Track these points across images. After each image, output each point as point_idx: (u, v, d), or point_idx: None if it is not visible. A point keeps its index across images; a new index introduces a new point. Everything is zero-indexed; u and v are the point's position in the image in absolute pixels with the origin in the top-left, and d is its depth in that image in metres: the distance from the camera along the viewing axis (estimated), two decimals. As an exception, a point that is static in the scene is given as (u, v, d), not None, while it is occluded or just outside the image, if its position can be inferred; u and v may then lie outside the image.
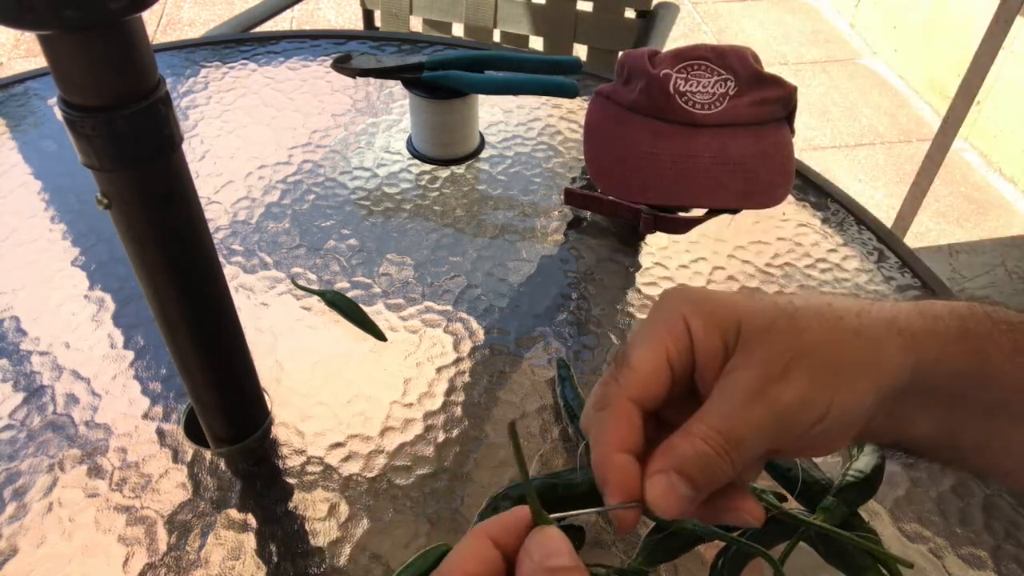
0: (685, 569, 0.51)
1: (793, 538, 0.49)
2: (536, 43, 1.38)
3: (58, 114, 0.39)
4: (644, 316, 0.69)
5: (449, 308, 0.69)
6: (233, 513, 0.54)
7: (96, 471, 0.56)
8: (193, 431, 0.59)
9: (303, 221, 0.78)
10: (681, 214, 0.76)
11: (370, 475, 0.56)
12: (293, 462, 0.57)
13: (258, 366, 0.57)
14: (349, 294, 0.70)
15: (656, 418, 0.33)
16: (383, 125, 0.91)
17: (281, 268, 0.73)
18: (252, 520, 0.54)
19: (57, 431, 0.59)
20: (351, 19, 2.83)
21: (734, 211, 0.75)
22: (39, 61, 2.38)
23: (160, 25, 2.80)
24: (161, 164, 0.42)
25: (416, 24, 1.42)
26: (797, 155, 0.76)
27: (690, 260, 0.75)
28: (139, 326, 0.67)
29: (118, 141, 0.39)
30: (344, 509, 0.54)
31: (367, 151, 0.87)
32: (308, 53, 1.02)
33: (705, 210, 0.74)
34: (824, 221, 0.80)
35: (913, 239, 1.92)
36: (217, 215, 0.78)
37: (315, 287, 0.70)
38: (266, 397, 0.61)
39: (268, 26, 1.28)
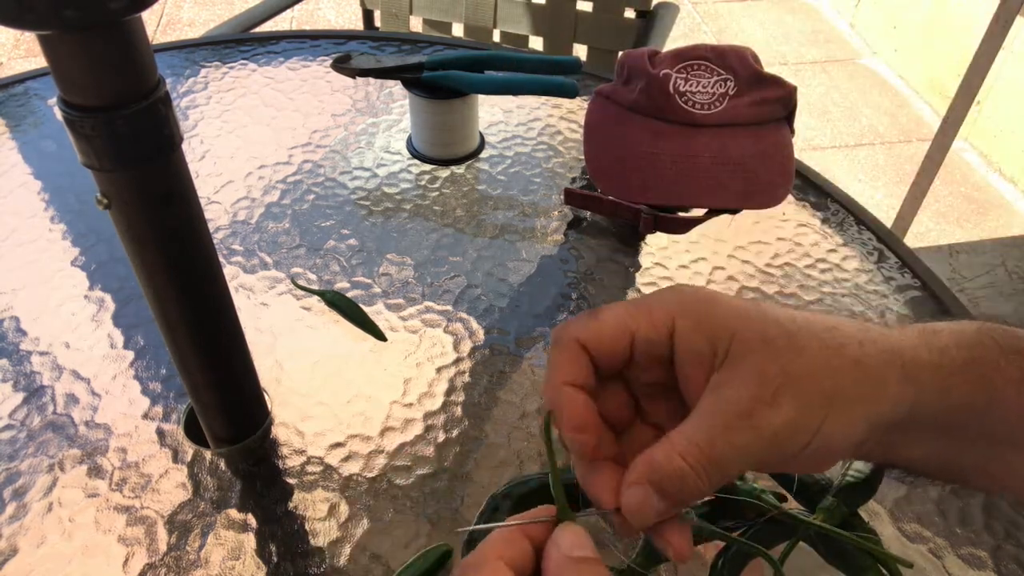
0: (685, 569, 0.51)
1: (793, 538, 0.48)
2: (536, 43, 1.38)
3: (58, 114, 0.39)
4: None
5: (449, 308, 0.69)
6: (233, 513, 0.54)
7: (96, 471, 0.56)
8: (193, 431, 0.59)
9: (303, 221, 0.78)
10: (681, 214, 0.76)
11: (370, 475, 0.56)
12: (293, 462, 0.57)
13: (258, 366, 0.57)
14: (349, 294, 0.70)
15: (635, 405, 0.33)
16: (383, 125, 0.91)
17: (281, 268, 0.73)
18: (252, 520, 0.54)
19: (57, 431, 0.59)
20: (351, 19, 2.83)
21: (734, 211, 0.75)
22: (39, 61, 2.38)
23: (160, 25, 2.80)
24: (161, 164, 0.42)
25: (416, 24, 1.42)
26: (797, 155, 0.76)
27: (690, 260, 0.75)
28: (139, 326, 0.67)
29: (118, 141, 0.39)
30: (344, 509, 0.54)
31: (367, 151, 0.87)
32: (308, 53, 1.02)
33: (705, 210, 0.74)
34: (824, 221, 0.80)
35: (913, 239, 1.92)
36: (217, 215, 0.78)
37: (315, 287, 0.70)
38: (266, 397, 0.61)
39: (268, 26, 1.28)
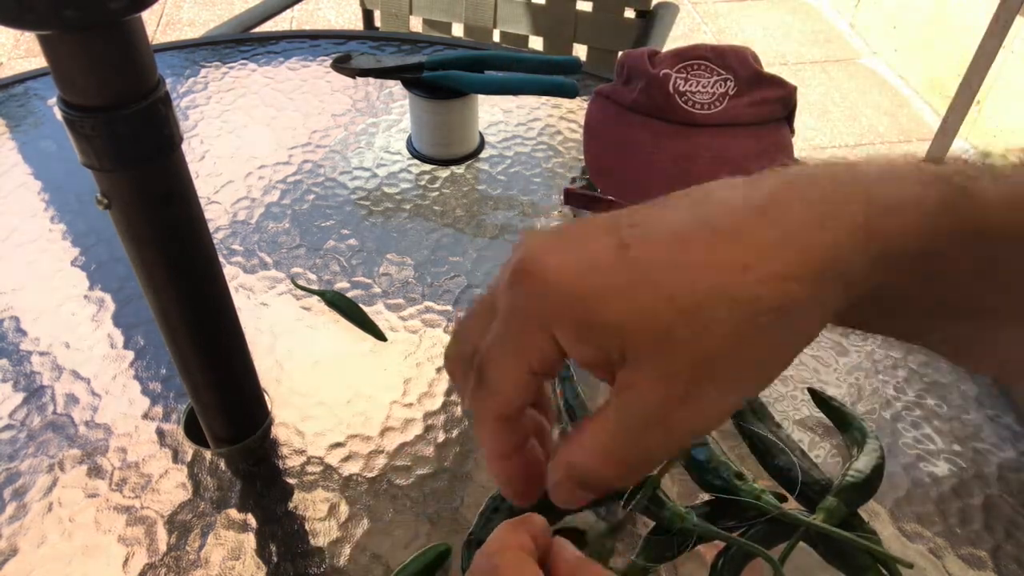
0: (685, 569, 0.51)
1: (793, 538, 0.49)
2: (536, 43, 1.38)
3: (58, 114, 0.39)
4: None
5: (449, 308, 0.69)
6: (233, 513, 0.54)
7: (96, 471, 0.56)
8: (193, 431, 0.59)
9: (303, 221, 0.78)
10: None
11: (370, 475, 0.56)
12: (293, 462, 0.57)
13: (258, 366, 0.57)
14: (349, 294, 0.70)
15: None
16: (383, 125, 0.91)
17: (281, 268, 0.73)
18: (252, 520, 0.54)
19: (57, 431, 0.59)
20: (351, 19, 2.83)
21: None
22: (39, 61, 2.38)
23: (160, 25, 2.80)
24: (161, 164, 0.42)
25: (416, 24, 1.42)
26: (797, 155, 0.76)
27: (690, 260, 0.75)
28: (139, 326, 0.67)
29: (118, 141, 0.39)
30: (344, 509, 0.54)
31: (367, 151, 0.87)
32: (308, 53, 1.02)
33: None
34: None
35: (913, 239, 1.92)
36: (217, 215, 0.78)
37: (315, 287, 0.70)
38: (266, 397, 0.61)
39: (268, 26, 1.28)
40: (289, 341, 0.66)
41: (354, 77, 0.84)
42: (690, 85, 0.73)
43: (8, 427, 0.59)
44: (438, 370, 0.64)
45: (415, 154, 0.86)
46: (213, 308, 0.50)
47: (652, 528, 0.51)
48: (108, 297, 0.69)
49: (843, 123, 2.40)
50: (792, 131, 0.77)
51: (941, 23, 2.45)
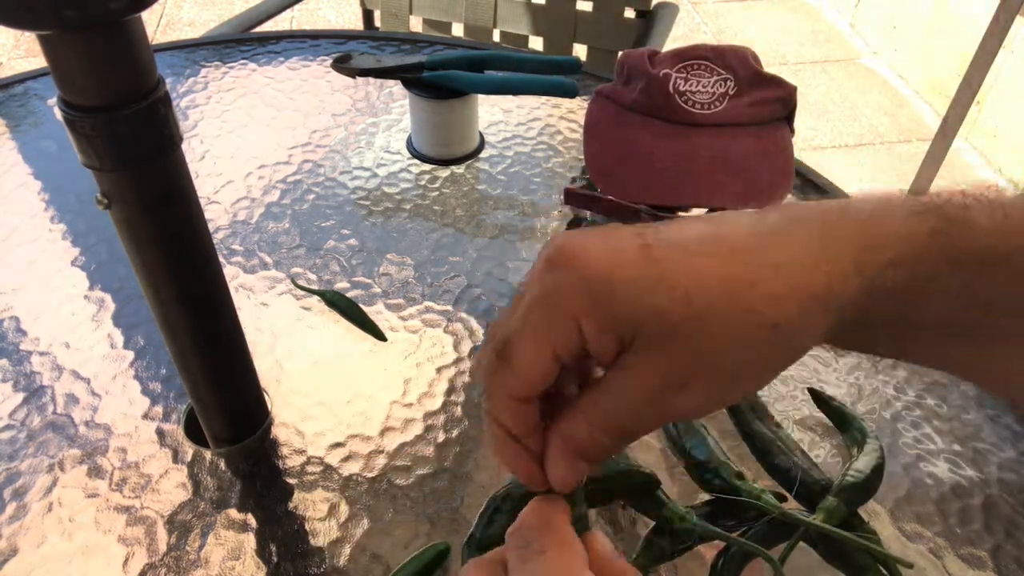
0: (685, 569, 0.51)
1: (793, 538, 0.49)
2: (536, 43, 1.38)
3: (58, 114, 0.39)
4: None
5: (449, 308, 0.69)
6: (233, 513, 0.54)
7: (96, 471, 0.56)
8: (193, 431, 0.59)
9: (303, 221, 0.78)
10: (681, 214, 0.76)
11: (370, 475, 0.56)
12: (293, 462, 0.57)
13: (258, 366, 0.57)
14: (349, 294, 0.70)
15: None
16: (383, 125, 0.91)
17: (281, 268, 0.73)
18: (252, 520, 0.54)
19: (57, 431, 0.59)
20: (351, 19, 2.83)
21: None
22: (39, 61, 2.38)
23: (160, 25, 2.80)
24: (161, 164, 0.42)
25: (416, 24, 1.42)
26: (797, 155, 0.76)
27: (690, 260, 0.75)
28: (139, 326, 0.67)
29: (118, 141, 0.39)
30: (344, 509, 0.54)
31: (367, 151, 0.87)
32: (308, 53, 1.02)
33: (705, 210, 0.74)
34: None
35: (913, 239, 1.92)
36: (217, 215, 0.78)
37: (315, 287, 0.70)
38: (266, 397, 0.61)
39: (268, 26, 1.28)
40: (289, 341, 0.66)
41: (354, 77, 0.84)
42: (690, 85, 0.73)
43: (8, 427, 0.59)
44: (438, 370, 0.64)
45: (415, 154, 0.86)
46: (213, 308, 0.50)
47: (652, 528, 0.51)
48: (108, 297, 0.69)
49: (843, 123, 2.40)
50: (792, 131, 0.77)
51: (941, 23, 2.45)
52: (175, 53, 1.02)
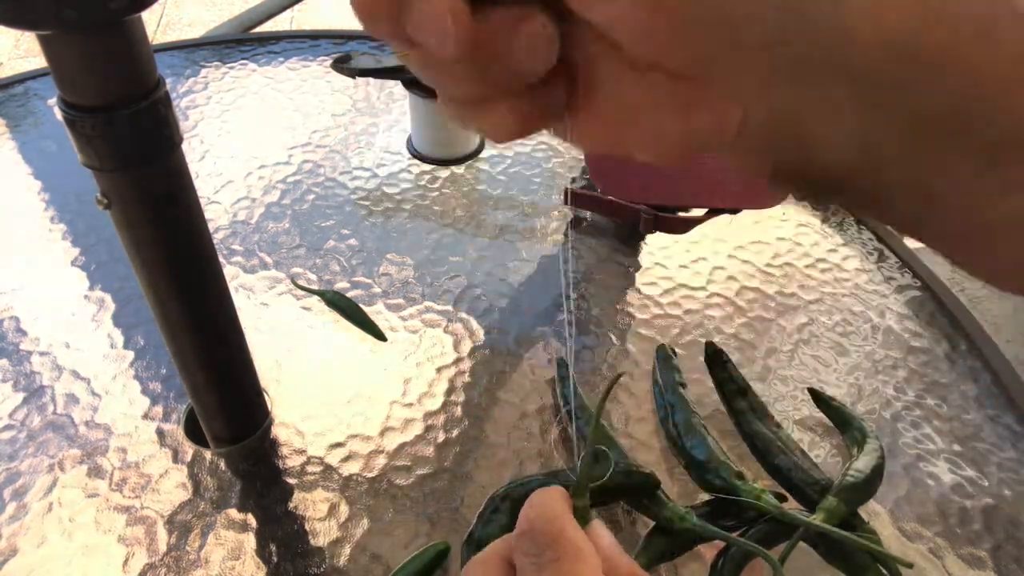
0: (685, 569, 0.51)
1: (793, 538, 0.49)
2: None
3: (58, 114, 0.39)
4: (644, 316, 0.69)
5: (449, 308, 0.69)
6: (233, 513, 0.54)
7: (96, 471, 0.56)
8: (193, 431, 0.59)
9: (303, 221, 0.78)
10: (681, 214, 0.76)
11: (370, 475, 0.56)
12: (293, 462, 0.57)
13: (258, 366, 0.57)
14: (349, 294, 0.70)
15: None
16: (383, 125, 0.91)
17: (281, 268, 0.73)
18: (252, 520, 0.54)
19: (57, 431, 0.59)
20: (351, 19, 2.83)
21: (734, 211, 0.75)
22: (39, 61, 2.38)
23: (160, 25, 2.80)
24: (161, 164, 0.42)
25: (416, 24, 1.42)
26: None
27: (690, 260, 0.75)
28: (139, 326, 0.67)
29: (118, 141, 0.39)
30: (344, 509, 0.54)
31: (367, 151, 0.87)
32: (308, 53, 1.02)
33: (705, 210, 0.74)
34: (824, 221, 0.80)
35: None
36: (217, 215, 0.78)
37: (315, 287, 0.71)
38: (266, 397, 0.61)
39: (268, 26, 1.28)
40: (289, 341, 0.66)
41: (354, 77, 0.84)
42: (690, 85, 0.73)
43: (8, 427, 0.59)
44: (438, 370, 0.64)
45: (415, 154, 0.86)
46: (213, 308, 0.50)
47: (652, 528, 0.51)
48: (108, 297, 0.69)
49: (843, 123, 2.40)
50: (792, 131, 0.77)
51: (941, 23, 2.45)
52: (175, 53, 1.02)
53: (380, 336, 0.66)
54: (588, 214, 0.79)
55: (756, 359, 0.65)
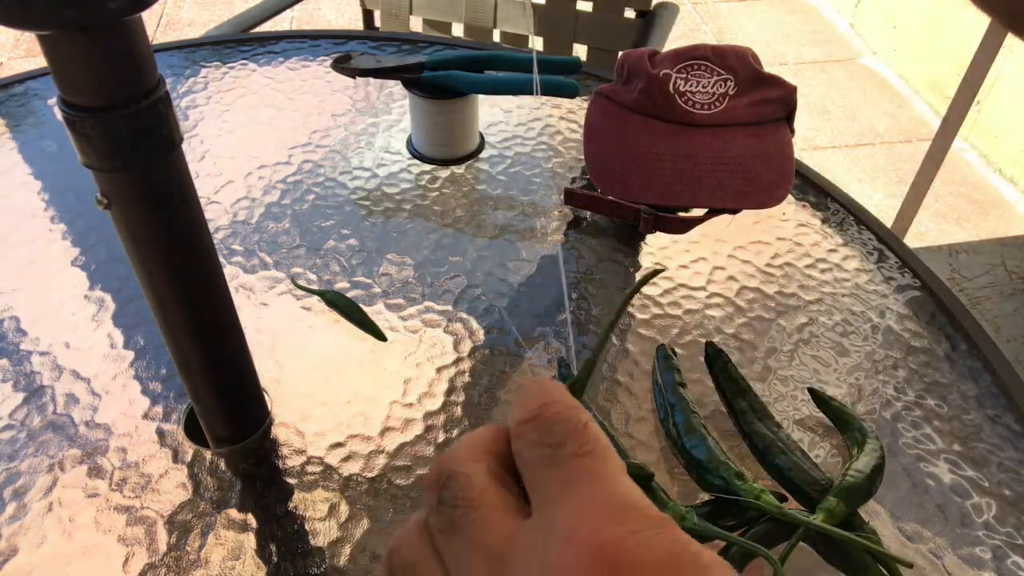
0: (685, 569, 0.51)
1: (793, 538, 0.49)
2: (536, 43, 1.38)
3: (58, 114, 0.39)
4: (644, 316, 0.69)
5: (449, 308, 0.69)
6: (233, 513, 0.54)
7: (96, 471, 0.56)
8: (193, 431, 0.59)
9: (303, 221, 0.78)
10: (681, 214, 0.76)
11: (370, 475, 0.56)
12: (293, 462, 0.57)
13: (258, 366, 0.57)
14: (349, 294, 0.70)
15: None
16: (383, 125, 0.91)
17: (281, 268, 0.73)
18: (252, 520, 0.54)
19: (57, 431, 0.59)
20: (351, 19, 2.83)
21: (734, 211, 0.75)
22: (39, 61, 2.38)
23: (160, 25, 2.80)
24: (161, 164, 0.42)
25: (416, 24, 1.42)
26: (797, 155, 0.76)
27: (690, 260, 0.75)
28: (139, 326, 0.67)
29: (118, 141, 0.39)
30: (344, 509, 0.54)
31: (367, 151, 0.87)
32: (308, 53, 1.02)
33: (705, 210, 0.74)
34: (824, 221, 0.80)
35: (913, 239, 1.92)
36: (217, 215, 0.78)
37: (315, 287, 0.70)
38: (266, 397, 0.61)
39: (268, 26, 1.28)
40: (289, 341, 0.66)
41: (354, 77, 0.84)
42: (690, 85, 0.73)
43: (8, 427, 0.59)
44: (438, 370, 0.64)
45: (415, 154, 0.86)
46: (213, 308, 0.50)
47: (652, 528, 0.51)
48: (108, 297, 0.69)
49: (843, 123, 2.40)
50: (792, 131, 0.77)
51: (941, 23, 2.45)
52: (175, 53, 1.02)
53: (380, 336, 0.66)
54: (588, 214, 0.79)
55: (756, 359, 0.65)
